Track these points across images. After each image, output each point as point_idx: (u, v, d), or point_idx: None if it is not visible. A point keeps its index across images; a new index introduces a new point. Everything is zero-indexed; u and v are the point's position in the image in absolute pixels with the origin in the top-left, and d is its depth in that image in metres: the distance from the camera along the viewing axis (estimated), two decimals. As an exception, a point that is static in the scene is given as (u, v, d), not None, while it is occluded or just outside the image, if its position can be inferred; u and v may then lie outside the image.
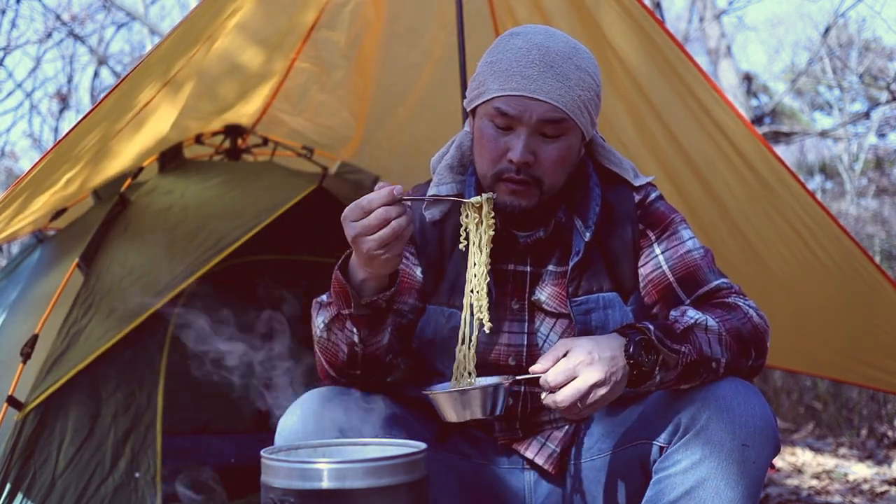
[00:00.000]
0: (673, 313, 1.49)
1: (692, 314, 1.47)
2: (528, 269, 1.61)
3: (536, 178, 1.51)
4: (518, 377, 1.40)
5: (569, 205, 1.60)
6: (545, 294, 1.60)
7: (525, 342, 1.61)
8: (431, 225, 1.64)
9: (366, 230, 1.34)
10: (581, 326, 1.57)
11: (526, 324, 1.61)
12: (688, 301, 1.58)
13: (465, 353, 1.46)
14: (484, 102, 1.53)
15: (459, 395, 1.37)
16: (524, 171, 1.50)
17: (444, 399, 1.38)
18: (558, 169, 1.52)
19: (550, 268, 1.61)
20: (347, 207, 1.38)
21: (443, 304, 1.63)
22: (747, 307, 1.53)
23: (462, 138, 1.68)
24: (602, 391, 1.35)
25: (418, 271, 1.64)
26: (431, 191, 1.63)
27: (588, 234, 1.57)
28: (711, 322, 1.46)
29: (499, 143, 1.51)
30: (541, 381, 1.37)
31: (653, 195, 1.66)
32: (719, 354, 1.44)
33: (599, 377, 1.34)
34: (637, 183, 1.64)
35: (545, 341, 1.61)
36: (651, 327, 1.40)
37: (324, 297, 1.56)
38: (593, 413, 1.37)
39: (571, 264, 1.57)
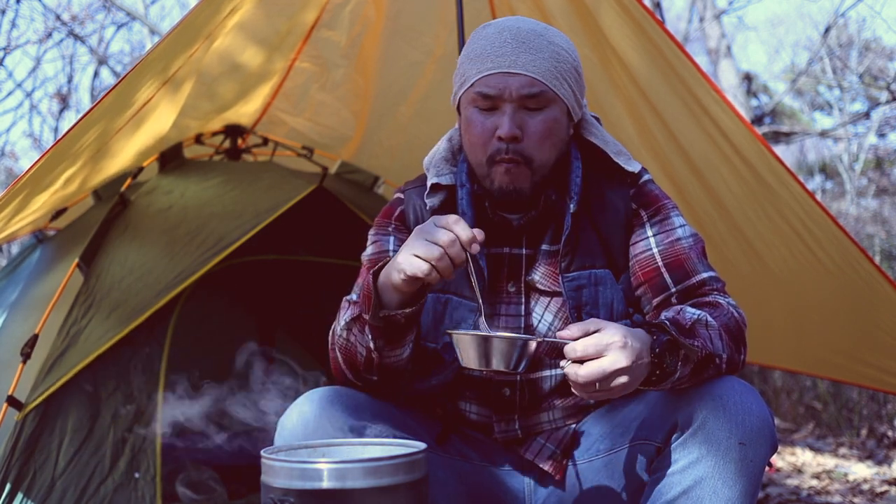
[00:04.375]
0: (666, 314, 1.49)
1: (690, 311, 1.48)
2: (524, 251, 1.63)
3: (526, 157, 1.53)
4: (546, 338, 1.37)
5: (557, 183, 1.62)
6: (539, 273, 1.61)
7: (522, 325, 1.62)
8: (428, 213, 1.67)
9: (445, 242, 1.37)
10: (572, 303, 1.58)
11: (522, 306, 1.62)
12: (674, 289, 1.58)
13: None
14: (466, 91, 1.57)
15: (485, 340, 1.32)
16: (513, 149, 1.52)
17: (469, 341, 1.33)
18: (546, 143, 1.54)
19: (544, 247, 1.62)
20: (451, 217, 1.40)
21: (437, 291, 1.64)
22: (727, 304, 1.54)
23: (452, 132, 1.72)
24: (623, 379, 1.30)
25: None
26: (431, 181, 1.66)
27: (573, 206, 1.58)
28: (710, 319, 1.47)
29: (486, 126, 1.54)
30: (567, 348, 1.32)
31: (645, 176, 1.67)
32: (720, 350, 1.45)
33: (626, 363, 1.29)
34: (629, 168, 1.64)
35: (540, 321, 1.61)
36: (667, 323, 1.39)
37: (354, 296, 1.59)
38: (604, 398, 1.34)
39: (563, 240, 1.58)
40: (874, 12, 7.83)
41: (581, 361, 1.30)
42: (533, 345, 1.34)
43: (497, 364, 1.32)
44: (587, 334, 1.32)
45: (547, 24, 1.60)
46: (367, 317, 1.46)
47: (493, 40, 1.54)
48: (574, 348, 1.31)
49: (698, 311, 1.48)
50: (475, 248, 1.37)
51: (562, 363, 1.34)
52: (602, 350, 1.30)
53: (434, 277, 1.37)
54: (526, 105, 1.53)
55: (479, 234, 1.38)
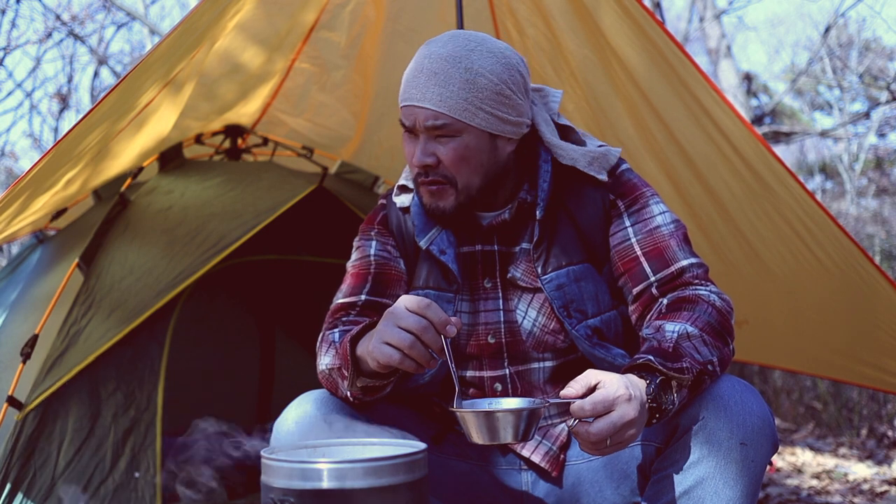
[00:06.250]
0: (647, 331, 1.48)
1: (669, 328, 1.45)
2: (496, 248, 1.65)
3: (448, 178, 1.57)
4: (552, 400, 1.32)
5: (530, 186, 1.64)
6: (519, 271, 1.64)
7: (502, 319, 1.64)
8: (405, 217, 1.72)
9: (413, 327, 1.32)
10: (559, 302, 1.59)
11: (501, 301, 1.65)
12: (653, 278, 1.57)
13: None
14: None
15: (487, 417, 1.27)
16: (432, 173, 1.57)
17: (472, 419, 1.28)
18: (463, 167, 1.56)
19: (524, 245, 1.64)
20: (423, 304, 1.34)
21: (418, 287, 1.67)
22: (709, 294, 1.52)
23: None
24: (632, 431, 1.28)
25: (402, 263, 1.72)
26: (399, 182, 1.74)
27: (539, 213, 1.60)
28: (690, 328, 1.44)
29: (409, 150, 1.59)
30: (574, 407, 1.28)
31: (623, 167, 1.68)
32: (709, 356, 1.42)
33: (634, 415, 1.27)
34: (591, 173, 1.62)
35: (524, 317, 1.63)
36: (653, 359, 1.36)
37: (336, 334, 1.58)
38: (613, 452, 1.31)
39: (533, 244, 1.61)
40: (874, 12, 7.85)
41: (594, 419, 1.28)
42: (541, 411, 1.30)
43: (505, 437, 1.27)
44: (590, 390, 1.30)
45: (478, 45, 1.55)
46: (346, 372, 1.46)
47: (414, 68, 1.56)
48: (583, 407, 1.27)
49: (677, 325, 1.44)
50: (451, 330, 1.32)
51: (568, 422, 1.31)
52: (610, 406, 1.27)
53: (410, 366, 1.32)
54: (435, 134, 1.55)
55: (455, 320, 1.34)
